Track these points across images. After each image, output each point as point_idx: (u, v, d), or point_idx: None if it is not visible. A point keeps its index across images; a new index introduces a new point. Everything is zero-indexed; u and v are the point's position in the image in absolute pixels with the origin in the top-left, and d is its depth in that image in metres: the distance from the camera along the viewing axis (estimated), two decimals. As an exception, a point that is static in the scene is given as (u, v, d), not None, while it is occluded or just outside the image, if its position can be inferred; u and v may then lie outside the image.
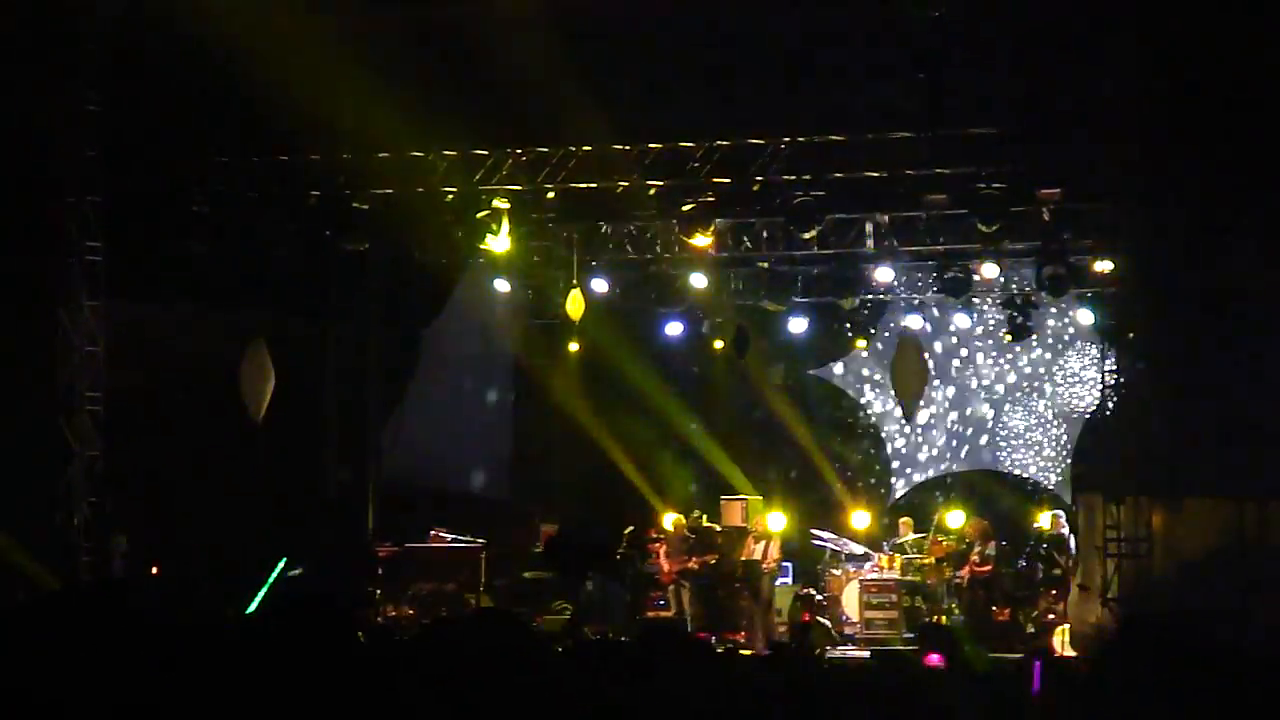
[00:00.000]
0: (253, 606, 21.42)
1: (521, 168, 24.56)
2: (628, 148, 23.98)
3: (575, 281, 26.38)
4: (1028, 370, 30.33)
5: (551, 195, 24.97)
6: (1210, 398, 22.59)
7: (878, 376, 31.14)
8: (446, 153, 24.34)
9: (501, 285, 27.44)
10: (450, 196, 24.79)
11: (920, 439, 31.09)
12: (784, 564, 26.47)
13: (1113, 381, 24.57)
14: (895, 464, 31.13)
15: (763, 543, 26.10)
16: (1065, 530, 25.86)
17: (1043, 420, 30.28)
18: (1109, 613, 23.28)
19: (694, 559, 26.34)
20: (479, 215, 24.65)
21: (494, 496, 30.15)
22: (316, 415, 28.02)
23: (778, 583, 26.16)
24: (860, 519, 28.31)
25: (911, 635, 24.43)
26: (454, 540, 26.58)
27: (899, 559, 26.55)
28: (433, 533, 26.64)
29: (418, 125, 22.95)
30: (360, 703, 5.74)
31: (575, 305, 26.15)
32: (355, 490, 28.08)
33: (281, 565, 23.15)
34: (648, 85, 23.13)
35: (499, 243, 25.00)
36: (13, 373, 23.02)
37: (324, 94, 21.40)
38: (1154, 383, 23.78)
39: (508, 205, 24.70)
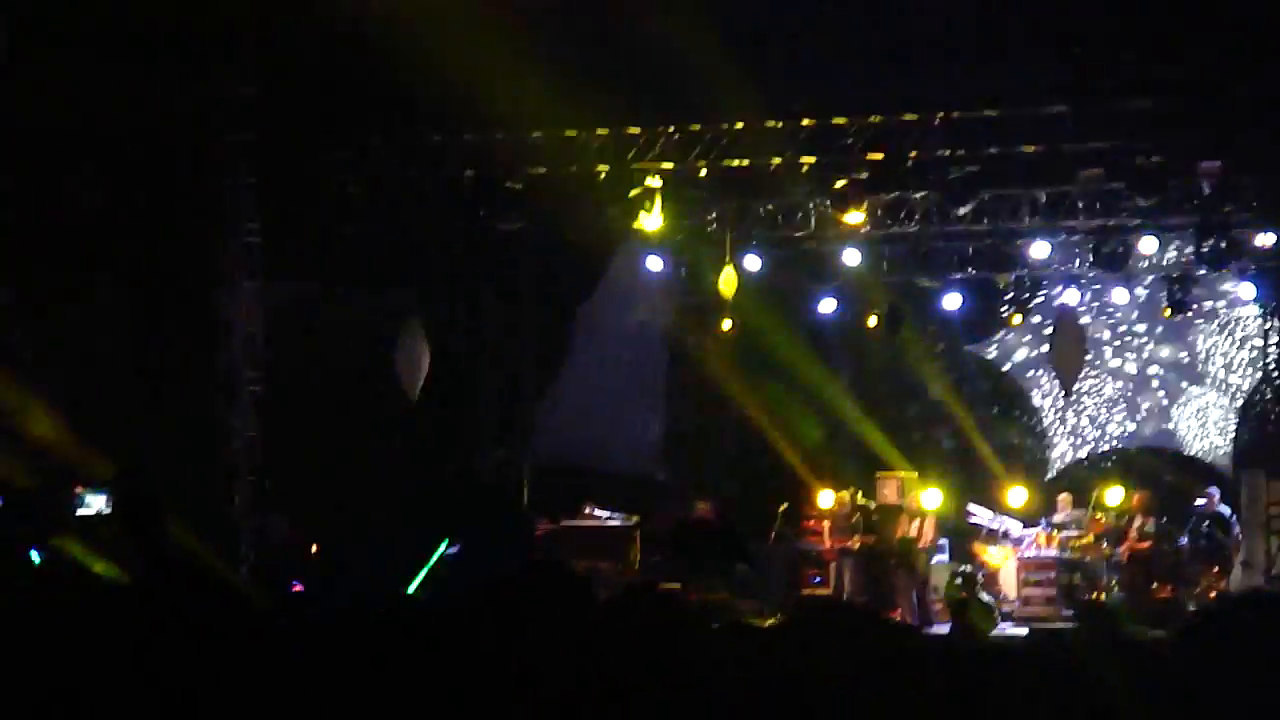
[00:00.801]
0: (413, 587, 21.64)
1: (674, 145, 24.54)
2: (780, 125, 23.93)
3: (728, 259, 26.34)
4: (1187, 345, 29.98)
5: (704, 173, 24.93)
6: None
7: (1035, 352, 30.91)
8: (599, 131, 24.38)
9: (654, 263, 27.40)
10: (603, 175, 24.83)
11: (1078, 415, 30.82)
12: (940, 541, 26.35)
13: (1275, 355, 24.26)
14: (1052, 440, 30.88)
15: (918, 520, 25.99)
16: (1227, 508, 25.53)
17: (1203, 396, 29.93)
18: (1272, 590, 23.01)
19: (856, 537, 26.22)
20: (632, 194, 24.67)
21: (648, 474, 30.17)
22: (471, 394, 28.21)
23: (934, 560, 26.06)
24: (1017, 495, 28.10)
25: (1070, 613, 24.24)
26: (609, 518, 26.64)
27: (1057, 536, 26.34)
28: (586, 510, 26.71)
29: (570, 104, 22.99)
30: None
31: (728, 283, 26.10)
32: (511, 468, 28.23)
33: (443, 546, 23.30)
34: (800, 61, 23.03)
35: (652, 221, 24.99)
36: (173, 354, 23.35)
37: (476, 73, 21.46)
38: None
39: (660, 183, 24.69)
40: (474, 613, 5.94)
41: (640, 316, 28.70)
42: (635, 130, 24.37)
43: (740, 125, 23.97)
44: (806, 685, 5.87)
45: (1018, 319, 29.58)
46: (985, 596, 25.06)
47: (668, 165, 24.65)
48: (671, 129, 24.39)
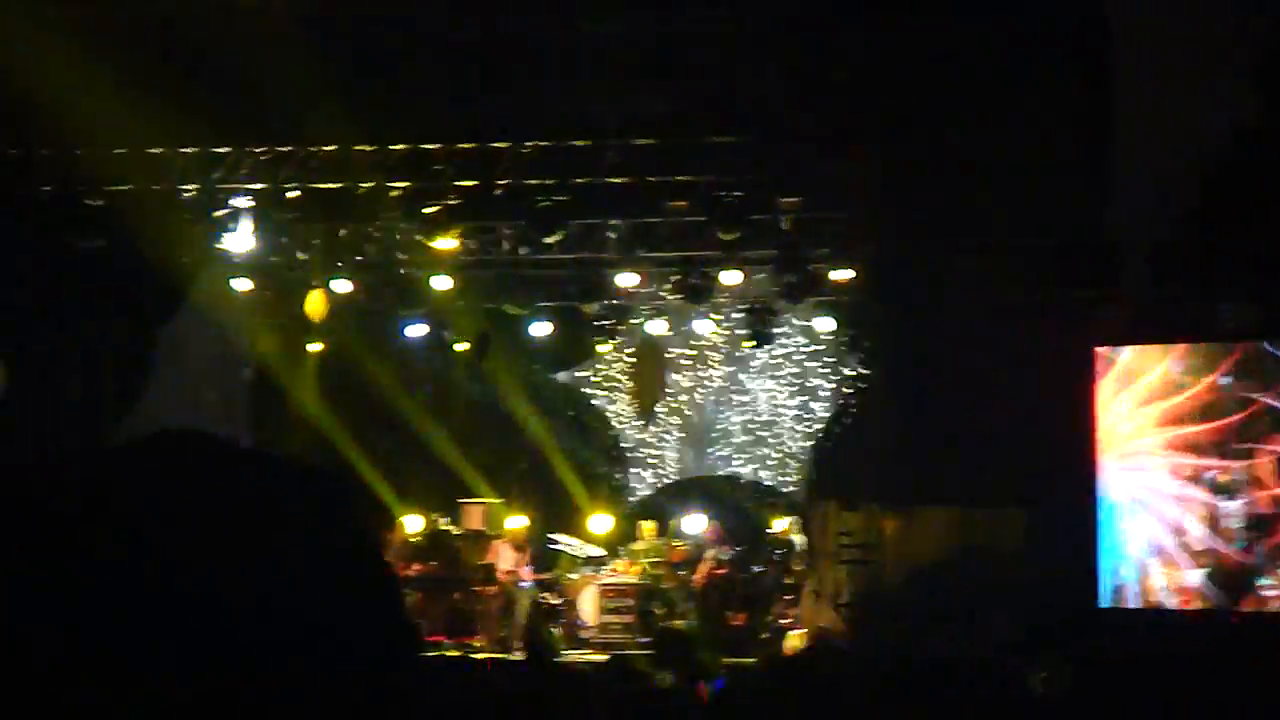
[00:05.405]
0: None
1: (262, 166, 24.32)
2: (370, 149, 23.85)
3: (316, 282, 26.13)
4: (768, 376, 30.55)
5: (293, 195, 24.72)
6: (942, 408, 23.04)
7: (619, 381, 31.24)
8: (185, 150, 24.00)
9: (241, 284, 27.01)
10: (189, 194, 24.46)
11: (661, 443, 31.23)
12: (523, 568, 26.48)
13: (849, 390, 24.93)
14: (635, 468, 31.23)
15: (502, 546, 26.09)
16: (800, 537, 26.16)
17: (782, 426, 30.52)
18: (840, 618, 23.67)
19: (421, 564, 26.08)
20: (218, 214, 24.39)
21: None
22: (53, 416, 27.40)
23: (518, 586, 26.17)
24: (600, 522, 28.40)
25: (647, 640, 24.55)
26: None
27: (636, 563, 26.68)
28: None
29: (156, 121, 22.55)
30: None
31: (316, 306, 25.90)
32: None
33: None
34: (391, 85, 22.98)
35: (238, 242, 24.71)
36: None
37: (54, 87, 20.94)
38: (888, 392, 24.20)
39: (248, 204, 24.43)
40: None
41: (224, 337, 28.23)
42: (222, 150, 24.07)
43: (329, 148, 23.82)
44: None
45: (603, 347, 29.94)
46: (561, 624, 25.31)
47: (256, 186, 24.40)
48: (260, 149, 24.15)
